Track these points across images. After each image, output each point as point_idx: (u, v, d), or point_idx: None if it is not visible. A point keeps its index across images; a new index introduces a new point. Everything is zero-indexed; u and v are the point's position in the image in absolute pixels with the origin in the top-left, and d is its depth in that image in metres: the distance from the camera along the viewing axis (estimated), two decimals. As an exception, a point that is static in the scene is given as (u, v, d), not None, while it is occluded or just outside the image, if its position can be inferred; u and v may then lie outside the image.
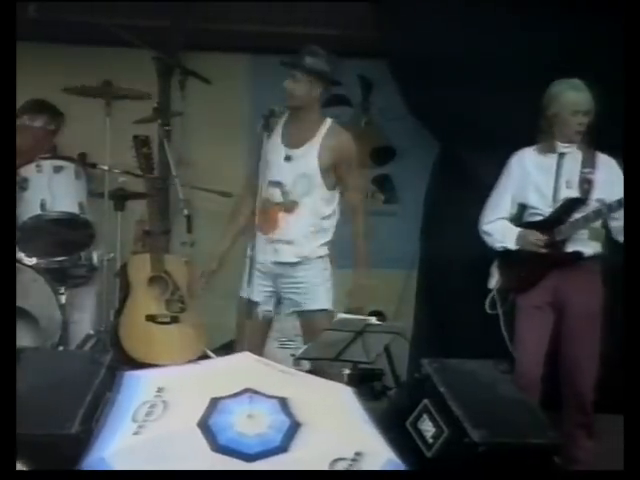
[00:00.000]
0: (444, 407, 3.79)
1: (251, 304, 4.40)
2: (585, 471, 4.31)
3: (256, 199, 4.37)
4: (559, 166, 4.58)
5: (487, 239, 4.70)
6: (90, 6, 5.61)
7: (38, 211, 5.12)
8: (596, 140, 4.58)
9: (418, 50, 5.25)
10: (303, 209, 4.44)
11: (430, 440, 3.80)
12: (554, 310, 4.57)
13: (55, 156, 5.36)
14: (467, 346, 4.89)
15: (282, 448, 2.80)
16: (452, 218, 5.42)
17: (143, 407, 2.94)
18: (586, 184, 4.53)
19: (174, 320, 5.13)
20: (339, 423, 3.05)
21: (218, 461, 2.76)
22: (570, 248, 4.55)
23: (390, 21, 5.42)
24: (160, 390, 3.00)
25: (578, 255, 4.53)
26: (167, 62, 5.66)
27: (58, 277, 5.19)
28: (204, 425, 2.81)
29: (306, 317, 4.53)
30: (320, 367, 4.43)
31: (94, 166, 5.39)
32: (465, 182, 5.41)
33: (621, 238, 4.42)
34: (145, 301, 5.15)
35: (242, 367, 3.22)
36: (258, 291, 4.43)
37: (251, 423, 2.83)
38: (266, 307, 4.50)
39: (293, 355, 5.06)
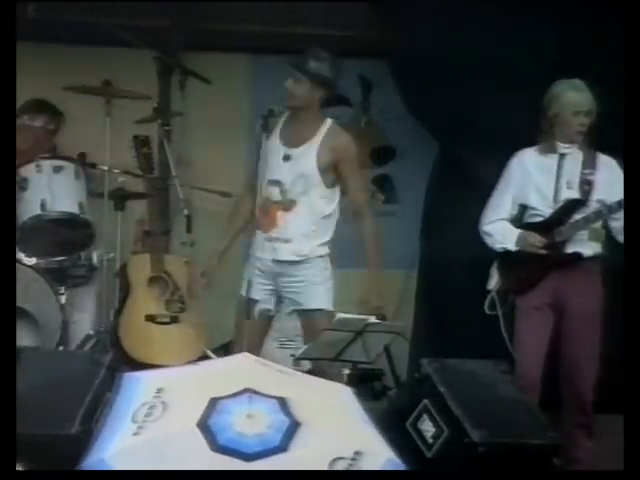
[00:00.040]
0: (444, 407, 3.79)
1: (251, 302, 4.41)
2: (585, 471, 4.31)
3: (256, 199, 4.37)
4: (560, 167, 4.58)
5: (487, 240, 4.70)
6: (90, 6, 5.61)
7: (38, 211, 5.12)
8: (597, 141, 4.58)
9: (418, 50, 5.25)
10: (301, 208, 4.44)
11: (430, 440, 3.80)
12: (554, 311, 4.57)
13: (55, 156, 5.35)
14: (467, 346, 4.89)
15: (281, 448, 2.81)
16: (452, 218, 5.42)
17: (142, 408, 2.94)
18: (586, 185, 4.52)
19: (174, 320, 5.13)
20: (338, 423, 3.05)
21: (218, 461, 2.76)
22: (570, 249, 4.55)
23: (390, 21, 5.42)
24: (159, 391, 3.00)
25: (578, 256, 4.53)
26: (167, 62, 5.66)
27: (58, 277, 5.19)
28: (203, 425, 2.81)
29: (306, 317, 4.54)
30: (320, 367, 4.44)
31: (94, 166, 5.38)
32: (465, 182, 5.41)
33: (622, 238, 4.42)
34: (145, 301, 5.15)
35: (241, 367, 3.22)
36: (258, 289, 4.44)
37: (250, 423, 2.83)
38: (266, 305, 4.50)
39: (293, 355, 5.05)
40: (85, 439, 3.13)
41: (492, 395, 3.96)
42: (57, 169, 5.24)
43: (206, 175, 5.89)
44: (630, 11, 3.80)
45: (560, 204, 4.55)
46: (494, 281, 4.71)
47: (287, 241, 4.45)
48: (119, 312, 5.14)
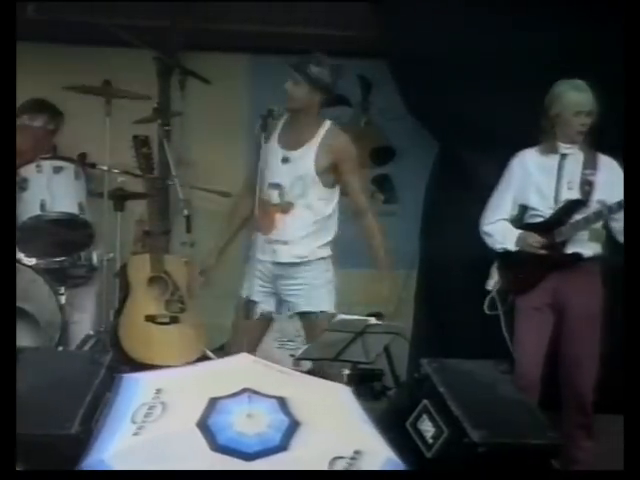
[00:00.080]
0: (444, 407, 3.79)
1: (251, 304, 4.41)
2: (585, 471, 4.31)
3: (254, 199, 4.37)
4: (561, 167, 4.58)
5: (487, 240, 4.70)
6: (90, 6, 5.61)
7: (38, 211, 5.12)
8: (597, 141, 4.58)
9: (418, 50, 5.25)
10: (299, 210, 4.43)
11: (430, 440, 3.80)
12: (554, 311, 4.57)
13: (55, 156, 5.35)
14: (467, 346, 4.89)
15: (281, 447, 2.81)
16: (452, 218, 5.42)
17: (142, 408, 2.94)
18: (587, 185, 4.52)
19: (174, 320, 5.13)
20: (338, 422, 3.05)
21: (218, 461, 2.76)
22: (570, 249, 4.55)
23: (390, 21, 5.42)
24: (158, 391, 3.01)
25: (578, 256, 4.53)
26: (167, 62, 5.65)
27: (58, 277, 5.19)
28: (203, 425, 2.81)
29: (307, 319, 4.53)
30: (320, 367, 4.43)
31: (94, 166, 5.38)
32: (465, 182, 5.41)
33: (622, 239, 4.42)
34: (145, 301, 5.14)
35: (240, 368, 3.22)
36: (258, 291, 4.44)
37: (250, 422, 2.83)
38: (266, 307, 4.50)
39: (293, 355, 5.06)
40: (85, 439, 3.13)
41: (492, 395, 3.96)
42: (57, 169, 5.24)
43: (206, 175, 5.89)
44: (630, 11, 3.80)
45: (560, 204, 4.55)
46: (494, 281, 4.71)
47: (286, 243, 4.44)
48: (119, 312, 5.14)
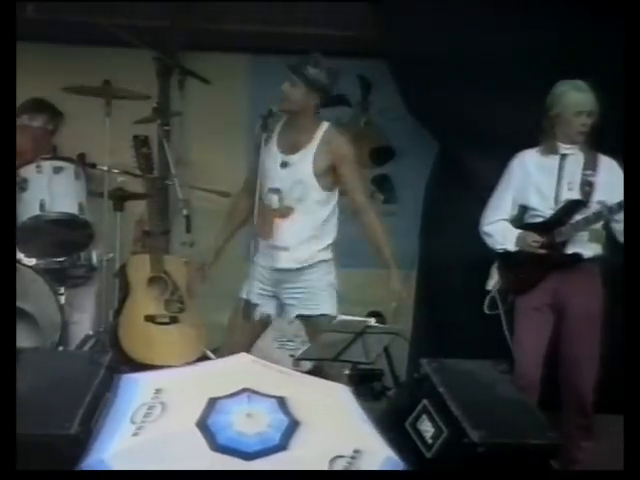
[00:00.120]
0: (443, 407, 3.78)
1: (251, 306, 4.40)
2: (585, 471, 4.31)
3: (253, 200, 4.36)
4: (561, 167, 4.58)
5: (487, 240, 4.70)
6: (89, 6, 5.61)
7: (37, 212, 5.12)
8: (598, 142, 4.58)
9: (418, 50, 5.24)
10: (298, 215, 4.40)
11: (429, 440, 3.79)
12: (553, 312, 4.57)
13: (55, 157, 5.35)
14: (466, 346, 4.88)
15: (281, 446, 2.81)
16: (451, 218, 5.42)
17: (141, 409, 2.94)
18: (587, 186, 4.52)
19: (173, 320, 5.13)
20: (337, 421, 3.06)
21: (217, 460, 2.76)
22: (570, 250, 4.55)
23: (390, 21, 5.41)
24: (158, 392, 3.01)
25: (578, 257, 4.53)
26: (166, 62, 5.65)
27: (57, 277, 5.19)
28: (203, 425, 2.81)
29: (309, 322, 4.51)
30: (321, 368, 4.43)
31: (93, 166, 5.38)
32: (464, 182, 5.41)
33: (622, 240, 4.42)
34: (144, 301, 5.14)
35: (239, 368, 3.23)
36: (257, 294, 4.43)
37: (250, 422, 2.83)
38: (265, 310, 4.49)
39: (292, 355, 5.06)
40: (84, 439, 3.13)
41: (491, 395, 3.95)
42: (57, 170, 5.24)
43: (205, 175, 5.89)
44: (630, 11, 3.80)
45: (561, 205, 4.55)
46: (494, 281, 4.71)
47: (286, 249, 4.41)
48: (118, 312, 5.14)
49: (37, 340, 4.95)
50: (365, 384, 5.29)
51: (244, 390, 2.93)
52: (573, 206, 4.53)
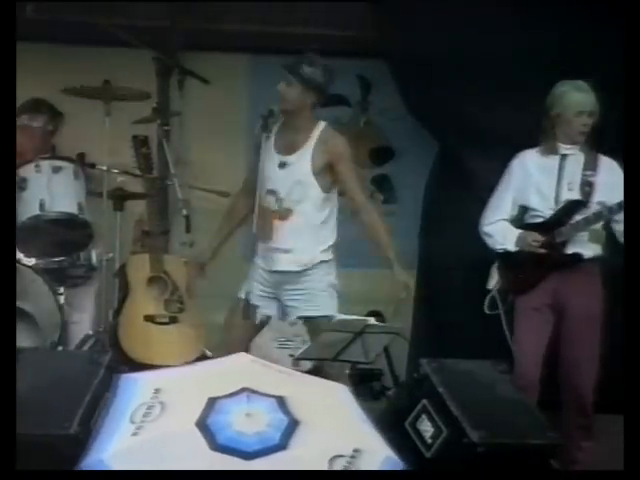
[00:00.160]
0: (443, 407, 3.78)
1: (251, 306, 4.40)
2: (585, 471, 4.31)
3: (252, 200, 4.36)
4: (561, 168, 4.58)
5: (488, 240, 4.70)
6: (89, 6, 5.61)
7: (37, 211, 5.11)
8: (598, 142, 4.57)
9: (418, 50, 5.24)
10: (297, 217, 4.39)
11: (429, 440, 3.79)
12: (553, 312, 4.57)
13: (54, 156, 5.35)
14: (466, 346, 4.88)
15: (281, 446, 2.81)
16: (451, 218, 5.42)
17: (140, 408, 2.94)
18: (587, 186, 4.52)
19: (173, 320, 5.12)
20: (337, 421, 3.06)
21: (217, 460, 2.76)
22: (570, 250, 4.55)
23: (390, 21, 5.42)
24: (157, 391, 3.00)
25: (578, 257, 4.53)
26: (166, 62, 5.64)
27: (57, 277, 5.19)
28: (202, 425, 2.81)
29: (310, 323, 4.51)
30: (320, 367, 4.43)
31: (93, 166, 5.38)
32: (464, 182, 5.41)
33: (622, 240, 4.42)
34: (144, 301, 5.14)
35: (239, 367, 3.22)
36: (258, 295, 4.43)
37: (249, 422, 2.83)
38: (265, 311, 4.48)
39: (292, 355, 5.05)
40: (84, 439, 3.12)
41: (491, 395, 3.95)
42: (56, 169, 5.23)
43: (205, 175, 5.89)
44: (630, 11, 3.80)
45: (561, 205, 4.55)
46: (494, 281, 4.71)
47: (286, 251, 4.40)
48: (118, 312, 5.13)
49: (37, 340, 4.94)
50: (365, 384, 5.29)
51: (243, 390, 2.93)
52: (573, 206, 4.53)
